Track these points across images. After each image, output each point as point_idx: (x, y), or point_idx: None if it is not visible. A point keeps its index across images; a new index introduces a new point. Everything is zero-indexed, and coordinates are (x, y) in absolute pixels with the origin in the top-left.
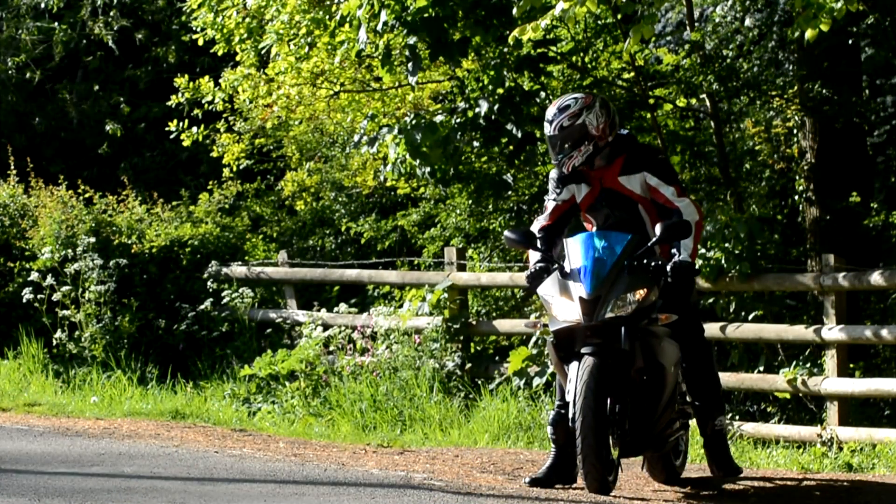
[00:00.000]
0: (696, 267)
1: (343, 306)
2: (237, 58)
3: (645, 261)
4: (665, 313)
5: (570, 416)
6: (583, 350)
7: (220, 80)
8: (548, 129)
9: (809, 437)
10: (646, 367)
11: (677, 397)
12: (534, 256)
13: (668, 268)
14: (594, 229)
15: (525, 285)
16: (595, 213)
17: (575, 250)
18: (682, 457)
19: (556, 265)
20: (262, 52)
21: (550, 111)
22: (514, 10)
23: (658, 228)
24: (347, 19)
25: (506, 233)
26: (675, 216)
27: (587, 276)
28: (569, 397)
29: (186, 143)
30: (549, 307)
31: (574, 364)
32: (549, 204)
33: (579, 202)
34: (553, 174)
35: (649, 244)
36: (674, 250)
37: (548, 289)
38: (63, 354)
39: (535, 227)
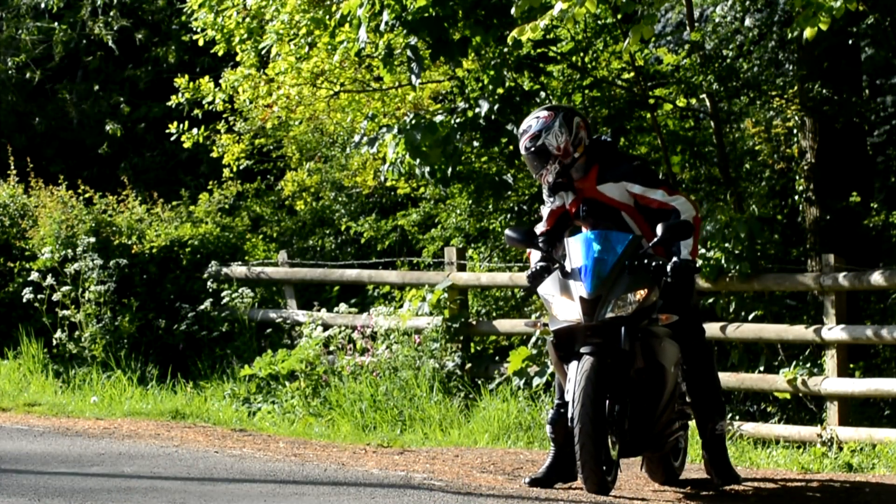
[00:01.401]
0: (697, 265)
1: (343, 306)
2: (237, 58)
3: (646, 261)
4: (665, 313)
5: (570, 416)
6: (582, 350)
7: (220, 81)
8: (521, 148)
9: (809, 437)
10: (646, 367)
11: (677, 398)
12: (535, 256)
13: (669, 268)
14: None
15: (525, 285)
16: (582, 221)
17: (576, 250)
18: (681, 457)
19: (556, 265)
20: (262, 52)
21: (519, 130)
22: (513, 10)
23: (659, 229)
24: (347, 19)
25: (507, 231)
26: (673, 217)
27: (588, 276)
28: (568, 397)
29: (187, 144)
30: (550, 306)
31: (574, 364)
32: (545, 210)
33: (568, 209)
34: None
35: (650, 245)
36: (674, 249)
37: (548, 288)
38: (63, 354)
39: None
